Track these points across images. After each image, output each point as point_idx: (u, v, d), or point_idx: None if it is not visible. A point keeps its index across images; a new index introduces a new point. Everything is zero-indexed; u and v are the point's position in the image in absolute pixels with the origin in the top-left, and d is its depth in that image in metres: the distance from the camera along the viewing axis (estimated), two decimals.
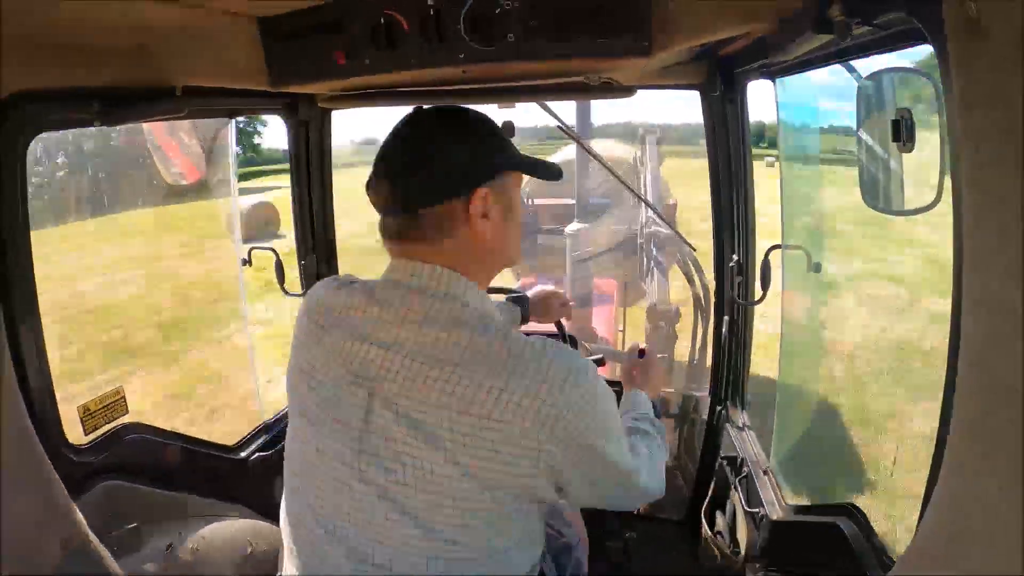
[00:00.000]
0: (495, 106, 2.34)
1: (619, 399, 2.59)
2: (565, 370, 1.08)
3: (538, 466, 1.08)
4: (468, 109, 1.25)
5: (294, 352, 1.27)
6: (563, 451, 1.08)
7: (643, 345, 1.99)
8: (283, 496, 1.28)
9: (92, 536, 1.35)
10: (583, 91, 1.94)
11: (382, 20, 1.41)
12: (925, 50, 0.92)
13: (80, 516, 1.38)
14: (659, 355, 2.53)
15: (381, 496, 1.10)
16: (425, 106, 1.26)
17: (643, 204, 4.26)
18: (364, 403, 1.11)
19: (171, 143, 1.87)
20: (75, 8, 1.13)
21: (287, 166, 2.42)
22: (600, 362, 2.37)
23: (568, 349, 1.13)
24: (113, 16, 1.23)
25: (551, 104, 2.43)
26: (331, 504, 1.15)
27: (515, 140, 1.35)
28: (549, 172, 1.32)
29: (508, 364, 1.06)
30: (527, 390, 1.05)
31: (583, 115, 4.47)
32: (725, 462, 2.39)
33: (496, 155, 1.21)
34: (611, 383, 2.71)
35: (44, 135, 1.47)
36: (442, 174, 1.16)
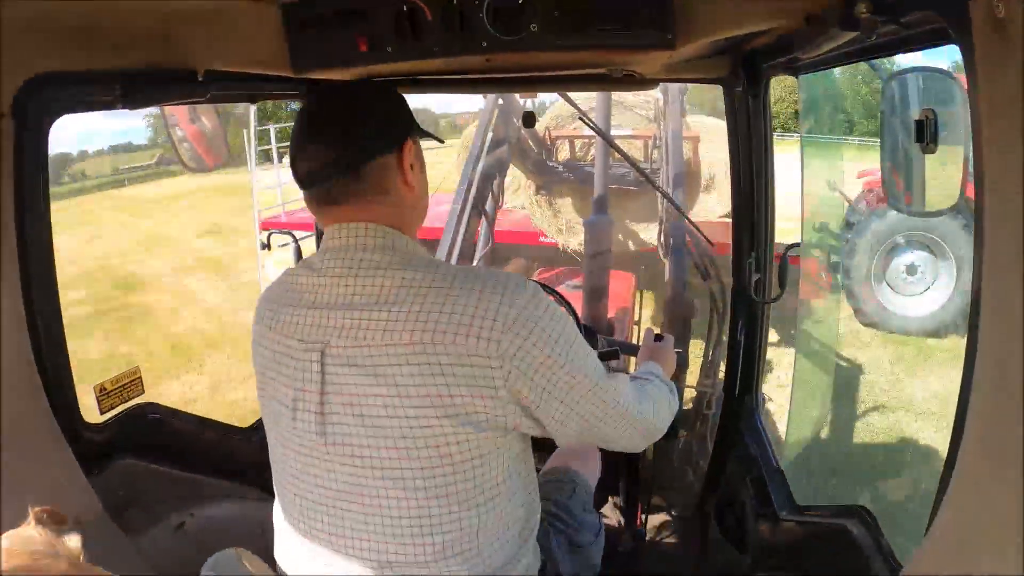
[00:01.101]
0: (517, 95, 2.34)
1: None
2: (502, 284, 1.13)
3: (495, 383, 1.09)
4: (368, 81, 1.35)
5: (256, 367, 1.29)
6: (519, 366, 1.10)
7: (658, 330, 1.98)
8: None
9: (106, 514, 1.37)
10: (605, 82, 1.93)
11: (405, 8, 1.41)
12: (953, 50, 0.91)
13: (95, 494, 1.40)
14: (676, 350, 2.52)
15: (351, 456, 1.13)
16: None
17: (663, 196, 4.24)
18: (319, 364, 1.13)
19: (192, 128, 1.88)
20: None
21: None
22: (615, 354, 2.36)
23: (504, 271, 1.19)
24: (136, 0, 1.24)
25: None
26: (305, 478, 1.19)
27: None
28: (436, 138, 1.43)
29: (444, 290, 1.10)
30: (465, 308, 1.09)
31: (604, 105, 4.44)
32: (737, 460, 2.38)
33: (410, 112, 1.28)
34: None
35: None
36: (375, 130, 1.21)
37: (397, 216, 1.21)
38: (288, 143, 1.30)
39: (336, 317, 1.13)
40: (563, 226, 8.87)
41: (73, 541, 0.97)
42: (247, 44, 1.55)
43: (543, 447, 1.33)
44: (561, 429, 1.21)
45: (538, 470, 1.75)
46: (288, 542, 1.28)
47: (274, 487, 1.29)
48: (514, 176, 7.93)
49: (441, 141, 1.51)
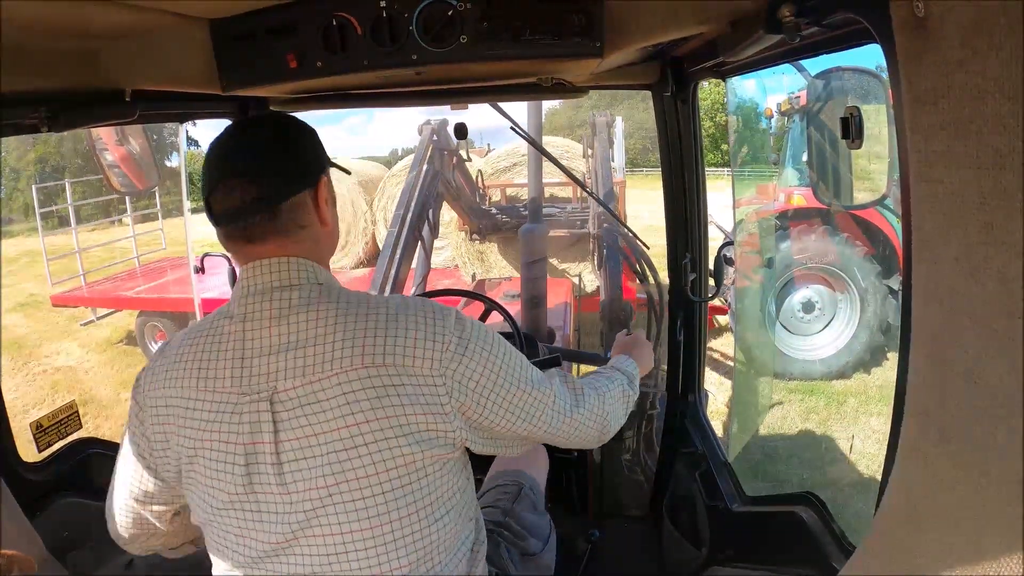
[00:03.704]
0: (448, 107, 2.35)
1: None
2: (432, 310, 1.17)
3: (440, 399, 1.12)
4: (285, 115, 1.31)
5: (163, 425, 1.19)
6: (461, 382, 1.14)
7: (631, 332, 2.01)
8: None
9: (51, 556, 1.32)
10: (535, 91, 1.95)
11: (334, 22, 1.40)
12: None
13: (37, 535, 1.34)
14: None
15: (312, 497, 1.09)
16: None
17: (595, 201, 4.29)
18: (269, 412, 1.09)
19: (120, 150, 1.83)
20: (18, 10, 1.10)
21: None
22: (556, 361, 2.38)
23: (428, 300, 1.21)
24: (59, 19, 1.20)
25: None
26: (256, 532, 1.13)
27: None
28: (342, 169, 1.39)
29: (381, 318, 1.12)
30: (407, 332, 1.11)
31: (534, 115, 4.49)
32: (684, 457, 2.42)
33: (322, 147, 1.26)
34: None
35: None
36: (295, 166, 1.18)
37: (314, 252, 1.20)
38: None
39: (278, 361, 1.10)
40: (487, 269, 9.11)
41: None
42: (176, 62, 1.51)
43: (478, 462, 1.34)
44: (507, 438, 1.25)
45: (480, 479, 1.75)
46: None
47: (211, 550, 1.22)
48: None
49: (347, 172, 1.50)
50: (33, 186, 12.36)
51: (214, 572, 1.23)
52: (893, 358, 6.64)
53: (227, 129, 1.23)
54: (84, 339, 10.06)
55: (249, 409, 1.10)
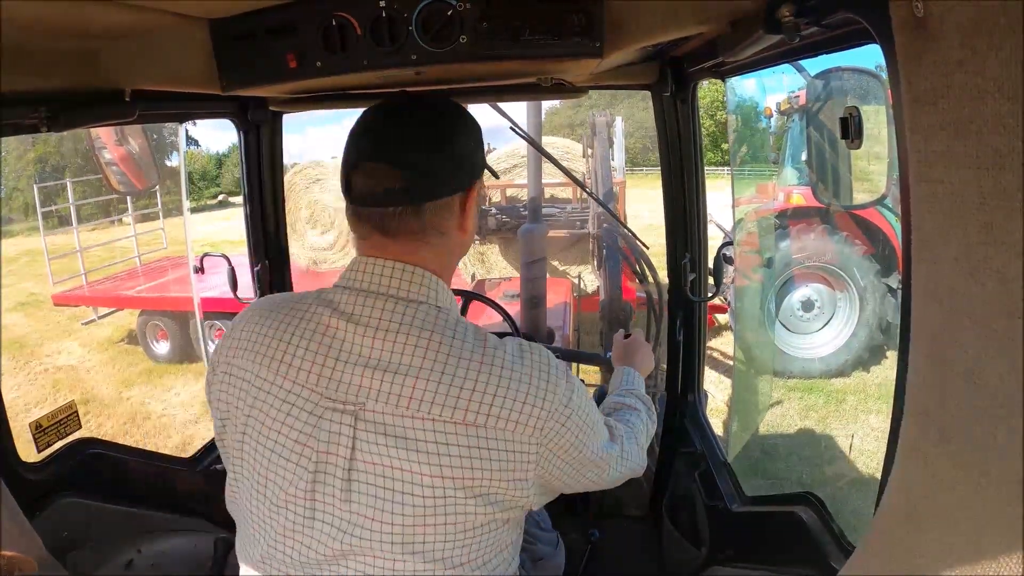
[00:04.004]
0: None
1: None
2: (547, 368, 1.10)
3: (527, 468, 1.08)
4: (454, 104, 1.23)
5: (226, 393, 1.16)
6: (552, 448, 1.10)
7: (629, 332, 2.02)
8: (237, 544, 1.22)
9: (51, 556, 1.32)
10: (535, 91, 1.96)
11: (333, 22, 1.40)
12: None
13: (37, 535, 1.34)
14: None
15: (371, 521, 1.05)
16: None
17: (595, 201, 4.30)
18: (350, 430, 1.04)
19: (120, 150, 1.82)
20: (18, 10, 1.10)
21: None
22: None
23: (540, 346, 1.14)
24: (58, 19, 1.20)
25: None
26: (308, 540, 1.08)
27: None
28: (493, 172, 1.37)
29: (492, 368, 1.06)
30: (517, 394, 1.05)
31: (534, 115, 4.49)
32: (684, 457, 2.42)
33: (483, 148, 1.22)
34: None
35: None
36: (451, 166, 1.13)
37: (443, 261, 1.16)
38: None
39: (374, 378, 1.05)
40: (487, 269, 9.19)
41: None
42: (175, 62, 1.51)
43: None
44: (561, 489, 1.22)
45: None
46: None
47: (244, 541, 1.19)
48: None
49: (496, 176, 1.45)
50: (34, 185, 12.29)
51: (244, 562, 1.20)
52: (892, 356, 6.65)
53: (386, 104, 1.18)
54: (85, 338, 10.16)
55: (331, 418, 1.05)
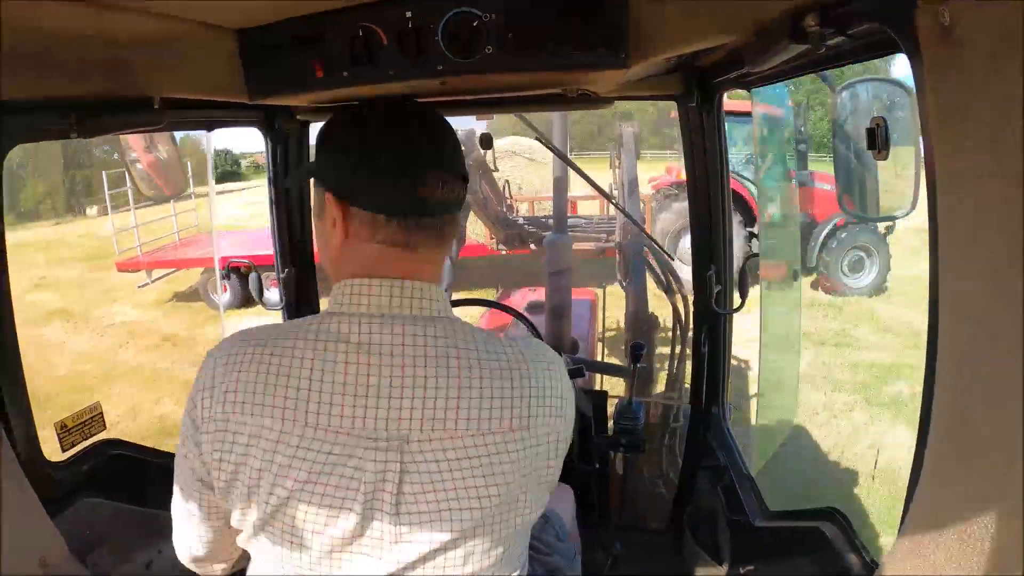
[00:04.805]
0: (473, 117, 2.36)
1: (602, 408, 2.61)
2: (556, 360, 1.15)
3: (551, 455, 1.11)
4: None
5: (227, 452, 1.03)
6: (568, 424, 1.14)
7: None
8: None
9: (71, 555, 1.33)
10: (560, 102, 1.95)
11: (360, 33, 1.41)
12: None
13: (59, 535, 1.35)
14: (640, 365, 2.55)
15: (423, 542, 1.03)
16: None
17: (620, 212, 4.28)
18: (396, 466, 1.01)
19: (148, 157, 1.85)
20: (51, 19, 1.12)
21: None
22: (579, 372, 2.37)
23: (538, 341, 1.19)
24: (89, 27, 1.22)
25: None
26: (359, 569, 1.04)
27: None
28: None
29: (518, 370, 1.07)
30: (544, 389, 1.08)
31: (560, 125, 4.48)
32: (707, 470, 2.39)
33: None
34: (589, 392, 2.72)
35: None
36: (461, 175, 1.13)
37: (439, 275, 1.15)
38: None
39: (411, 407, 1.01)
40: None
41: None
42: (202, 71, 1.53)
43: None
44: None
45: None
46: None
47: None
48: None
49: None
50: (103, 172, 14.56)
51: None
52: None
53: (392, 111, 1.18)
54: (140, 299, 11.77)
55: (374, 458, 1.00)
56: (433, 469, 1.01)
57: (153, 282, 11.99)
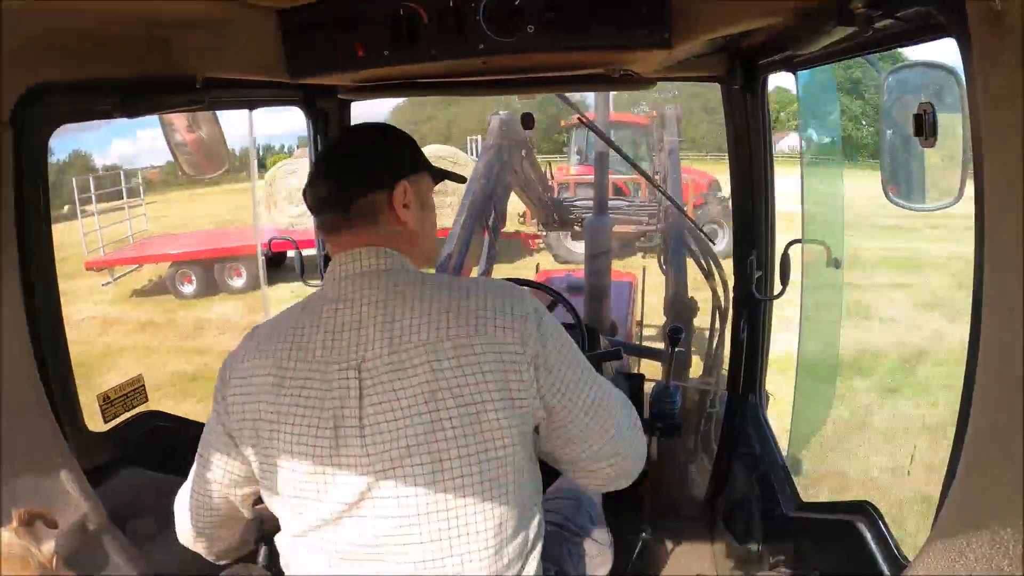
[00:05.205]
0: (516, 97, 2.35)
1: (639, 392, 2.60)
2: (509, 288, 1.25)
3: (520, 365, 1.16)
4: (389, 125, 1.40)
5: (262, 416, 1.22)
6: (537, 348, 1.18)
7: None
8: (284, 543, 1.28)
9: (111, 524, 1.37)
10: (603, 83, 1.94)
11: (401, 12, 1.41)
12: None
13: (100, 504, 1.40)
14: (678, 349, 2.53)
15: (381, 460, 1.14)
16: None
17: (663, 195, 4.24)
18: (356, 382, 1.15)
19: (191, 136, 1.88)
20: (94, 1, 1.14)
21: None
22: (617, 355, 2.36)
23: (507, 281, 1.28)
24: (133, 8, 1.24)
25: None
26: (335, 495, 1.17)
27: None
28: (457, 177, 1.53)
29: (464, 294, 1.19)
30: (487, 306, 1.18)
31: (602, 106, 4.44)
32: (742, 458, 2.38)
33: (414, 157, 1.34)
34: (626, 375, 2.71)
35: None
36: (366, 169, 1.28)
37: (398, 246, 1.27)
38: None
39: (367, 333, 1.17)
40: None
41: (48, 545, 0.99)
42: (245, 51, 1.55)
43: (546, 473, 1.35)
44: (573, 439, 1.26)
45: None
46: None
47: (287, 524, 1.25)
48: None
49: (462, 180, 1.61)
50: (73, 178, 15.14)
51: (281, 538, 1.27)
52: None
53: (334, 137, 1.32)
54: (107, 296, 12.32)
55: (338, 376, 1.16)
56: (384, 380, 1.14)
57: (116, 279, 12.80)
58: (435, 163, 1.39)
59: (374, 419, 1.14)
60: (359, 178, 1.27)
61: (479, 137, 15.81)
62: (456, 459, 1.13)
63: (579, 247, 10.52)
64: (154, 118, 1.70)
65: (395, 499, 1.14)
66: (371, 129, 1.37)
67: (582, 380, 1.24)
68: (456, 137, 22.40)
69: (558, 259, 12.53)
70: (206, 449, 1.32)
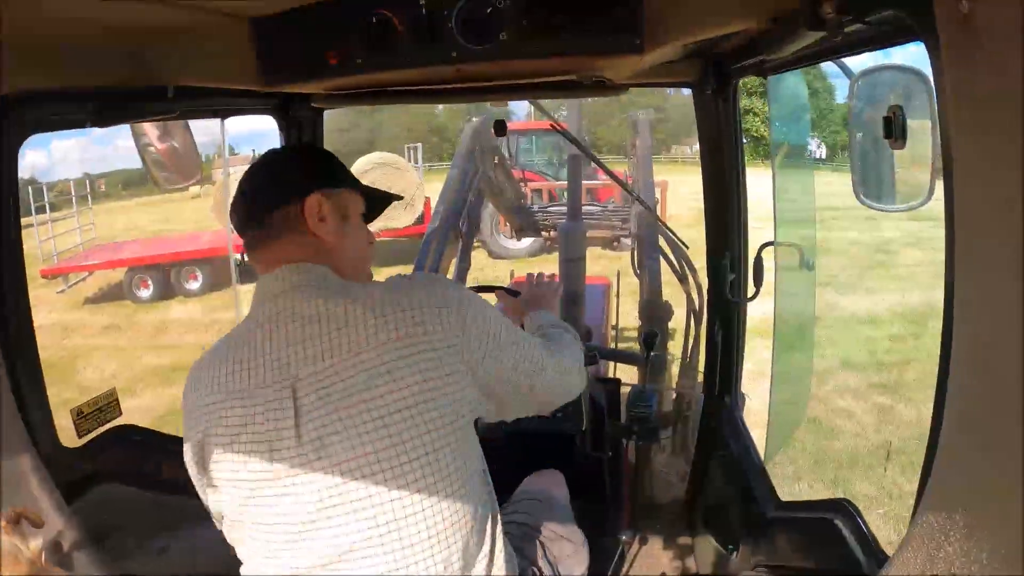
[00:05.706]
0: (488, 104, 2.35)
1: (615, 396, 2.60)
2: (432, 279, 1.28)
3: (451, 357, 1.19)
4: (282, 149, 1.46)
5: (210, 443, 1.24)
6: (474, 342, 1.22)
7: (508, 285, 2.12)
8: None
9: (86, 540, 1.34)
10: (575, 89, 1.94)
11: (375, 20, 1.41)
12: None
13: (76, 520, 1.37)
14: (653, 353, 2.54)
15: (329, 476, 1.14)
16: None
17: (634, 200, 4.26)
18: (291, 401, 1.15)
19: (163, 146, 1.86)
20: (66, 9, 1.13)
21: None
22: (592, 360, 2.39)
23: (429, 273, 1.27)
24: (105, 16, 1.23)
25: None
26: (287, 516, 1.17)
27: None
28: (385, 197, 1.50)
29: (386, 297, 1.20)
30: (410, 305, 1.19)
31: (574, 113, 4.46)
32: (719, 459, 2.39)
33: (331, 171, 1.36)
34: (602, 379, 2.71)
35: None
36: (270, 185, 1.31)
37: (320, 259, 1.28)
38: None
39: (296, 351, 1.17)
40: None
41: (35, 543, 0.99)
42: (217, 59, 1.54)
43: (508, 480, 1.36)
44: (514, 397, 1.35)
45: (507, 497, 1.79)
46: None
47: (242, 548, 1.26)
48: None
49: (399, 198, 1.60)
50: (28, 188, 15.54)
51: (243, 571, 1.26)
52: None
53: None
54: (63, 302, 12.63)
55: (274, 397, 1.16)
56: (320, 396, 1.14)
57: (70, 287, 13.16)
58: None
59: (315, 435, 1.13)
60: (271, 193, 1.30)
61: (419, 145, 16.55)
62: (405, 464, 1.14)
63: (512, 243, 11.57)
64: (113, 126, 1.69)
65: (352, 513, 1.14)
66: (288, 148, 1.44)
67: (507, 342, 1.29)
68: (382, 144, 22.37)
69: (492, 255, 13.15)
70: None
